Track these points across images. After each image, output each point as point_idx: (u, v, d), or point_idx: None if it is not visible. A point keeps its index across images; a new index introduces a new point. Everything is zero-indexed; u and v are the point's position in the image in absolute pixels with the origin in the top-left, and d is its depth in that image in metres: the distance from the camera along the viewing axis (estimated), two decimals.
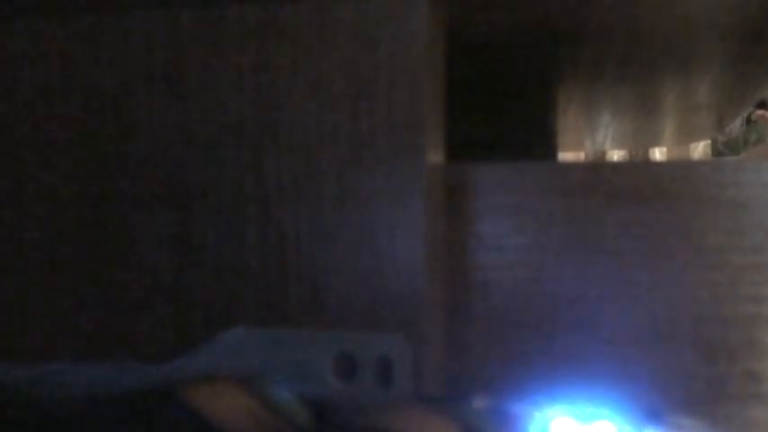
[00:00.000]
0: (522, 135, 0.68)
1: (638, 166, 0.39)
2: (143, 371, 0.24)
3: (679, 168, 0.38)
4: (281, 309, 0.33)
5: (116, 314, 0.35)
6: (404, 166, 0.32)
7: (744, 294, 0.38)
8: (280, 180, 0.33)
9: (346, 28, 0.33)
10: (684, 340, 0.38)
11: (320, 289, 0.33)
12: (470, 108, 0.63)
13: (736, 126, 2.64)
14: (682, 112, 0.72)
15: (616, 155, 2.34)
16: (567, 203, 0.39)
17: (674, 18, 0.42)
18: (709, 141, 2.63)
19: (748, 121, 2.65)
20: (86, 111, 0.35)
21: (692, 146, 2.53)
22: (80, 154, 0.35)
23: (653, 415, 0.27)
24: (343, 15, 0.33)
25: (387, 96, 0.33)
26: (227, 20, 0.34)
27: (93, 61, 0.35)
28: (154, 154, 0.34)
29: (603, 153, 2.24)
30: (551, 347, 0.39)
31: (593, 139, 0.85)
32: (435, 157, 0.35)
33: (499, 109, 0.64)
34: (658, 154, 2.49)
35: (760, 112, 2.63)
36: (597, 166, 0.39)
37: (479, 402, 0.26)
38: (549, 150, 0.72)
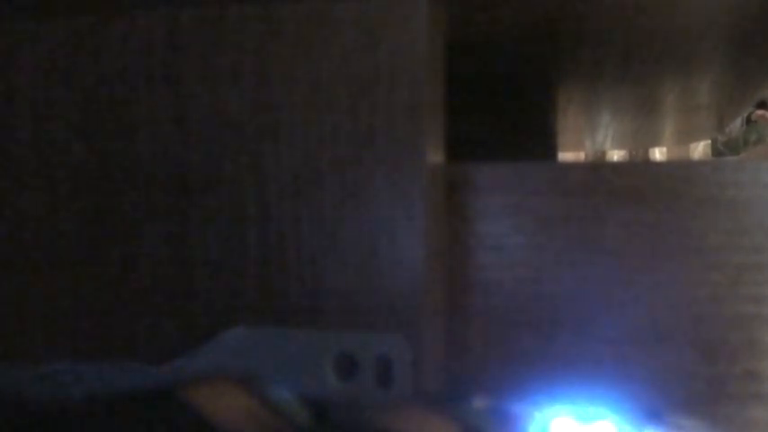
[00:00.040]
0: (522, 135, 0.68)
1: (638, 166, 0.39)
2: (143, 371, 0.24)
3: (679, 168, 0.38)
4: (281, 309, 0.33)
5: (116, 314, 0.35)
6: (404, 166, 0.32)
7: (744, 294, 0.38)
8: (280, 180, 0.33)
9: (346, 28, 0.33)
10: (684, 340, 0.38)
11: (320, 289, 0.33)
12: (470, 108, 0.63)
13: (736, 126, 2.65)
14: (682, 112, 0.72)
15: (616, 155, 2.34)
16: (567, 203, 0.39)
17: (674, 18, 0.42)
18: (709, 141, 2.63)
19: (748, 121, 2.65)
20: (86, 111, 0.35)
21: (692, 146, 2.53)
22: (80, 154, 0.35)
23: (653, 415, 0.27)
24: (343, 15, 0.33)
25: (387, 96, 0.33)
26: (227, 20, 0.34)
27: (93, 61, 0.35)
28: (154, 154, 0.34)
29: (603, 153, 2.24)
30: (551, 347, 0.39)
31: (593, 139, 0.85)
32: (435, 156, 0.35)
33: (499, 109, 0.64)
34: (658, 154, 2.49)
35: (760, 112, 2.63)
36: (597, 166, 0.39)
37: (479, 402, 0.26)
38: (549, 150, 0.72)
